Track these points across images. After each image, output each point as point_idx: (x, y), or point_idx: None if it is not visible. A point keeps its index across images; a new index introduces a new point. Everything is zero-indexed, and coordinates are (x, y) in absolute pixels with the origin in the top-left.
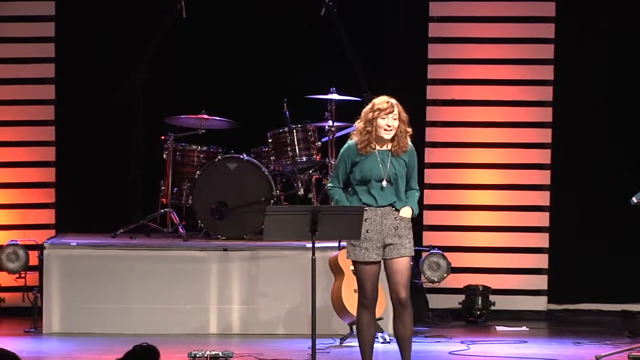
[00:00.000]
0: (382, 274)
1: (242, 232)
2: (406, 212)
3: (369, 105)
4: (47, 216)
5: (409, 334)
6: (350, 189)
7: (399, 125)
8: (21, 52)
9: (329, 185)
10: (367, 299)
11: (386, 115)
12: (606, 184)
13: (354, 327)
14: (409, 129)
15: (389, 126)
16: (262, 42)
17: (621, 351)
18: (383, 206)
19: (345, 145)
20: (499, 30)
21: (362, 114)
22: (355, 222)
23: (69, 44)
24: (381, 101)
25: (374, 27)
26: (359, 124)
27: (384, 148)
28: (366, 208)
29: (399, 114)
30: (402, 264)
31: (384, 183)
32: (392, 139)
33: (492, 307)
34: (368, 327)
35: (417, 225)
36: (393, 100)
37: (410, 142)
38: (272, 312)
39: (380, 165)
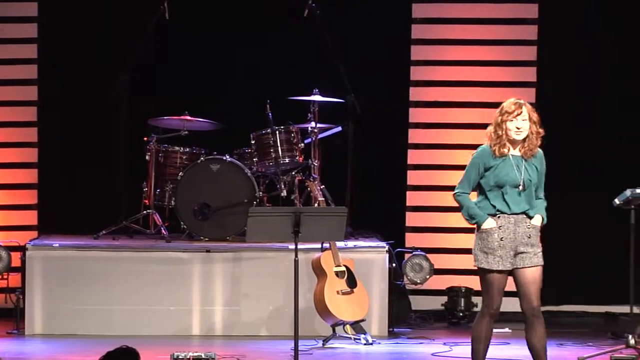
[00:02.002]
0: (367, 274)
1: (225, 234)
2: (537, 220)
3: (498, 109)
4: (30, 217)
5: (543, 344)
6: (479, 194)
7: (530, 127)
8: (3, 53)
9: (456, 191)
10: (494, 310)
11: (514, 117)
12: (590, 185)
13: (337, 328)
14: (541, 130)
15: (518, 128)
16: (245, 43)
17: (604, 352)
18: (517, 213)
19: (479, 149)
20: (482, 32)
21: (493, 118)
22: (338, 223)
23: (52, 45)
24: (509, 104)
25: (357, 28)
26: (489, 128)
27: (516, 152)
28: (499, 215)
29: (529, 115)
30: (535, 273)
31: (520, 189)
32: (524, 141)
33: (475, 309)
34: (486, 338)
35: (400, 227)
36: (521, 101)
37: (539, 149)
38: (255, 314)
39: (516, 171)
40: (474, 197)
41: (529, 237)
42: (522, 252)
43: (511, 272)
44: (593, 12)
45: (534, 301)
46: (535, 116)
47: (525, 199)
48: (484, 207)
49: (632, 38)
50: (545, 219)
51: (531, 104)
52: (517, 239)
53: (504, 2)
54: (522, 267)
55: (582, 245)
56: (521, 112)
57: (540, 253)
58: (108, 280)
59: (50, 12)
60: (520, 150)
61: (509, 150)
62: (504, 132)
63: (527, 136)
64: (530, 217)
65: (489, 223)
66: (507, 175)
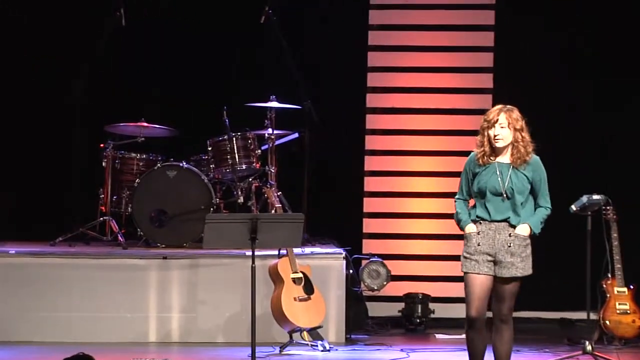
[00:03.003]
0: (324, 281)
1: (182, 240)
2: (522, 229)
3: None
4: None
5: (507, 349)
6: (474, 200)
7: (514, 134)
8: None
9: (456, 197)
10: (472, 315)
11: (493, 125)
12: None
13: (294, 335)
14: (526, 137)
15: (496, 135)
16: (202, 49)
17: (560, 359)
18: (497, 221)
19: (469, 156)
20: (439, 39)
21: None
22: (295, 229)
23: (3, 50)
24: (490, 111)
25: (314, 35)
26: (478, 136)
27: (504, 160)
28: (480, 221)
29: (509, 122)
30: (511, 283)
31: (502, 197)
32: (514, 149)
33: (432, 315)
34: (475, 348)
35: (357, 233)
36: (504, 108)
37: (534, 155)
38: (212, 321)
39: (499, 178)
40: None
41: (509, 246)
42: (501, 261)
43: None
44: (548, 18)
45: (504, 308)
46: (520, 124)
47: (509, 207)
48: (473, 213)
49: (586, 40)
50: (536, 228)
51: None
52: (495, 246)
53: (461, 8)
54: (500, 276)
55: (538, 252)
56: (498, 119)
57: (523, 264)
58: (65, 287)
59: (5, 16)
60: (510, 158)
61: (495, 158)
62: (486, 140)
63: (512, 144)
64: (514, 226)
65: (469, 228)
66: (487, 183)
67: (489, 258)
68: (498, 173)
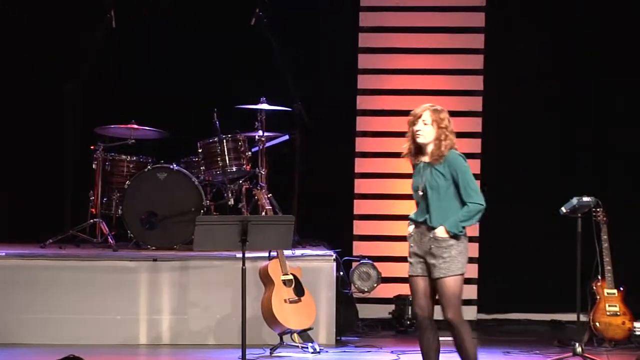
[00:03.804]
0: (314, 283)
1: (172, 242)
2: (440, 231)
3: None
4: None
5: (465, 353)
6: None
7: (437, 132)
8: None
9: None
10: (417, 317)
11: (416, 120)
12: (536, 194)
13: (284, 337)
14: (449, 135)
15: (417, 131)
16: (192, 51)
17: None
18: (420, 222)
19: None
20: (429, 41)
21: None
22: (285, 231)
23: None
24: (418, 107)
25: (305, 37)
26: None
27: (426, 159)
28: (412, 223)
29: (432, 119)
30: (441, 286)
31: (421, 197)
32: (433, 147)
33: None
34: (428, 350)
35: (347, 235)
36: (430, 106)
37: (451, 151)
38: (202, 323)
39: (420, 178)
40: None
41: (430, 249)
42: (430, 263)
43: None
44: (538, 20)
45: (446, 312)
46: (444, 123)
47: (426, 208)
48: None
49: (577, 41)
50: (453, 228)
51: (477, 111)
52: (422, 249)
53: (451, 10)
54: (432, 278)
55: (528, 254)
56: (422, 115)
57: (446, 265)
58: (55, 289)
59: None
60: (429, 157)
61: (422, 157)
62: (410, 135)
63: (432, 142)
64: (433, 227)
65: (408, 229)
66: (413, 183)
67: (420, 259)
68: (421, 173)
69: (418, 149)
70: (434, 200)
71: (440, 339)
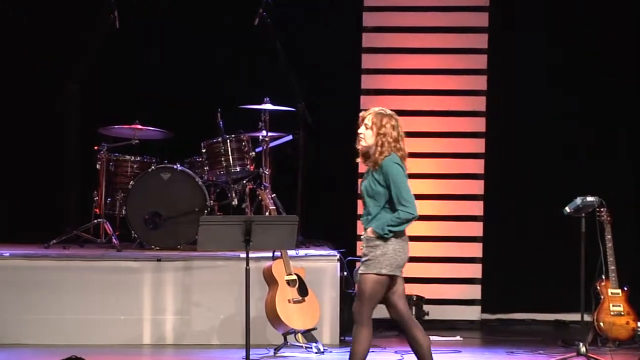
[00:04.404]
0: (318, 283)
1: (176, 243)
2: (368, 231)
3: None
4: None
5: (357, 350)
6: None
7: (376, 138)
8: None
9: None
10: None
11: (361, 123)
12: (540, 194)
13: (288, 337)
14: (385, 142)
15: (359, 134)
16: (196, 51)
17: None
18: (364, 224)
19: None
20: (433, 41)
21: None
22: (289, 231)
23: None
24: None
25: (309, 37)
26: None
27: (369, 163)
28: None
29: (373, 123)
30: (360, 281)
31: (363, 201)
32: (373, 153)
33: (426, 317)
34: (357, 342)
35: (351, 235)
36: (377, 110)
37: (387, 158)
38: (206, 323)
39: (365, 183)
40: None
41: (363, 248)
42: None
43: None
44: (542, 20)
45: (355, 303)
46: (385, 129)
47: (368, 212)
48: None
49: (581, 41)
50: (379, 230)
51: (481, 111)
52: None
53: (455, 10)
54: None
55: (532, 253)
56: (364, 117)
57: (370, 262)
58: (59, 289)
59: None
60: (370, 162)
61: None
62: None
63: (373, 147)
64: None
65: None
66: (362, 184)
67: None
68: (365, 177)
69: (368, 152)
70: (370, 205)
71: (442, 338)
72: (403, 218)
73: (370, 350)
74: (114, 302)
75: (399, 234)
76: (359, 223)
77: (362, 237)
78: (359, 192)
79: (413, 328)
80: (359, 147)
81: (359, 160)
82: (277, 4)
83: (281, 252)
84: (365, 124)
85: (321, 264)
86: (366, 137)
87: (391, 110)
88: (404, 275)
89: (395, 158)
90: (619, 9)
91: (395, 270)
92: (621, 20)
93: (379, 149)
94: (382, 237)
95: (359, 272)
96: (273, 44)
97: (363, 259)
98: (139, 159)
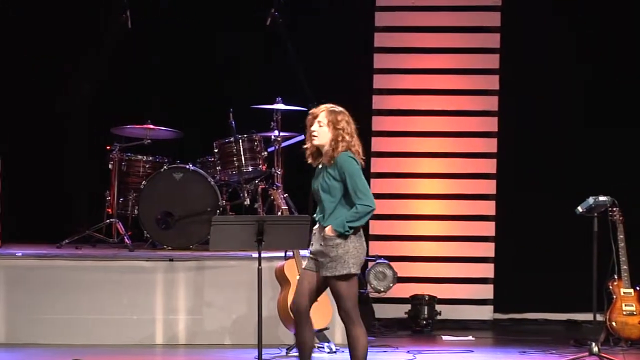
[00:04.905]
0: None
1: (188, 242)
2: (327, 230)
3: None
4: None
5: (355, 352)
6: None
7: (334, 133)
8: None
9: None
10: (291, 307)
11: (313, 121)
12: (552, 194)
13: None
14: (344, 137)
15: (312, 131)
16: (208, 51)
17: None
18: (318, 222)
19: None
20: (445, 40)
21: None
22: (301, 231)
23: (8, 54)
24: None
25: (320, 36)
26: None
27: (324, 161)
28: (317, 223)
29: (328, 120)
30: (330, 285)
31: (317, 198)
32: (328, 149)
33: (438, 317)
34: (302, 344)
35: (364, 235)
36: (329, 107)
37: (342, 153)
38: (219, 323)
39: (316, 180)
40: None
41: (321, 246)
42: (319, 261)
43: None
44: (554, 18)
45: (338, 310)
46: (341, 124)
47: (321, 208)
48: None
49: (593, 40)
50: (339, 227)
51: (493, 111)
52: (316, 247)
53: (467, 10)
54: (321, 276)
55: (544, 253)
56: (318, 116)
57: (333, 263)
58: (71, 289)
59: (10, 20)
60: (325, 158)
61: (320, 160)
62: (309, 137)
63: (327, 143)
64: (325, 227)
65: (313, 228)
66: (312, 184)
67: (313, 257)
68: (319, 174)
69: (319, 150)
70: (326, 201)
71: (454, 338)
72: (361, 212)
73: (383, 350)
74: (127, 302)
75: (356, 230)
76: (371, 223)
77: (313, 235)
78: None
79: (308, 325)
80: (309, 145)
81: (309, 160)
82: (289, 4)
83: (293, 251)
84: (319, 122)
85: None
86: (320, 134)
87: (404, 109)
88: (418, 276)
89: (349, 153)
90: (635, 8)
91: (359, 268)
92: (637, 19)
93: (335, 144)
94: (343, 235)
95: (327, 274)
96: (285, 44)
97: (325, 260)
98: (151, 158)
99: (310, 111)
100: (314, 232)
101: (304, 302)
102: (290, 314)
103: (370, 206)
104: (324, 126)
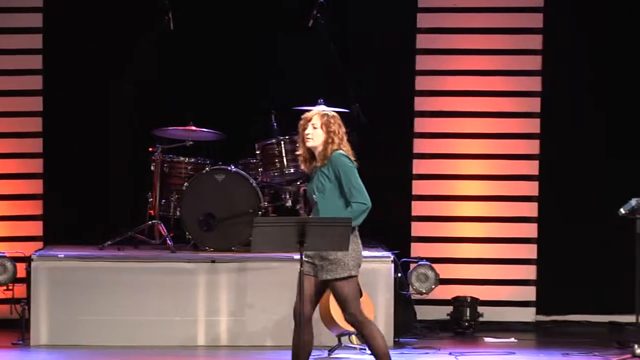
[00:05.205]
0: (372, 284)
1: (230, 244)
2: None
3: None
4: (35, 228)
5: (374, 351)
6: None
7: (327, 136)
8: (9, 64)
9: None
10: (294, 311)
11: (306, 124)
12: (595, 195)
13: (342, 338)
14: (334, 139)
15: (307, 134)
16: (250, 53)
17: None
18: None
19: None
20: (487, 42)
21: None
22: (343, 233)
23: (57, 56)
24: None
25: (362, 38)
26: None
27: (318, 163)
28: None
29: (321, 123)
30: (332, 289)
31: (313, 201)
32: (321, 151)
33: (480, 319)
34: (297, 348)
35: (405, 237)
36: (321, 111)
37: (335, 151)
38: (260, 324)
39: (312, 183)
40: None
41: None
42: (318, 265)
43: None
44: (597, 20)
45: (344, 314)
46: (333, 127)
47: (317, 210)
48: None
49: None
50: None
51: (536, 113)
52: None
53: (509, 11)
54: (319, 280)
55: (586, 255)
56: (311, 119)
57: (332, 266)
58: (113, 290)
59: (54, 22)
60: (318, 160)
61: (313, 164)
62: (301, 139)
63: (320, 145)
64: None
65: None
66: (307, 188)
67: (310, 259)
68: (314, 176)
69: (312, 155)
70: (321, 202)
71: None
72: (357, 210)
73: (425, 351)
74: (169, 304)
75: (353, 230)
76: (413, 224)
77: None
78: (412, 193)
79: (308, 329)
80: (302, 151)
81: (302, 167)
82: (331, 5)
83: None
84: (313, 124)
85: (375, 266)
86: (315, 136)
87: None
88: (460, 277)
89: (342, 152)
90: None
91: (358, 269)
92: None
93: (328, 145)
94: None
95: (328, 277)
96: (327, 45)
97: (325, 263)
98: (193, 160)
99: (303, 116)
100: None
101: (309, 308)
102: (333, 317)
103: (365, 204)
104: (318, 128)
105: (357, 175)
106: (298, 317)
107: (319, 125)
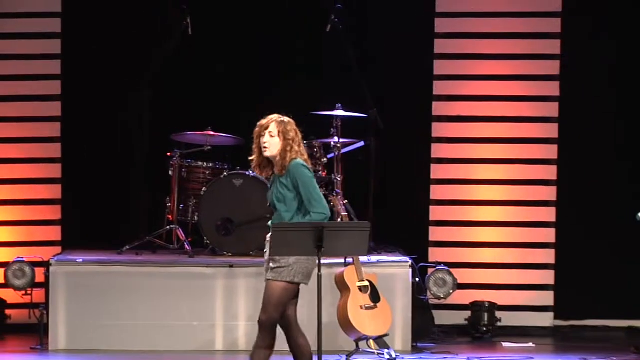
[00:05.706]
0: (390, 289)
1: (248, 249)
2: None
3: None
4: (54, 233)
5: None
6: None
7: (282, 143)
8: (28, 69)
9: None
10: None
11: (263, 132)
12: (612, 200)
13: (360, 343)
14: (293, 146)
15: (264, 143)
16: (268, 58)
17: None
18: None
19: None
20: (505, 46)
21: None
22: (361, 238)
23: (75, 61)
24: (265, 118)
25: (380, 43)
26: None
27: (276, 171)
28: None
29: (279, 131)
30: (266, 287)
31: (272, 209)
32: (279, 159)
33: (498, 324)
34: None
35: (423, 241)
36: (277, 117)
37: (293, 161)
38: (279, 329)
39: (270, 191)
40: None
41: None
42: (269, 267)
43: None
44: (615, 24)
45: (261, 313)
46: (291, 135)
47: (275, 217)
48: None
49: None
50: None
51: (554, 117)
52: (268, 254)
53: (527, 16)
54: (266, 278)
55: (604, 260)
56: (268, 127)
57: (282, 269)
58: (131, 295)
59: (73, 28)
60: (276, 169)
61: (271, 171)
62: (257, 147)
63: (278, 153)
64: None
65: (267, 237)
66: (267, 196)
67: (266, 265)
68: (273, 184)
69: (267, 161)
70: (282, 211)
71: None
72: (317, 220)
73: (443, 356)
74: (187, 308)
75: None
76: (431, 229)
77: (267, 242)
78: (430, 198)
79: (298, 335)
80: (256, 157)
81: (256, 172)
82: (349, 10)
83: (353, 258)
84: (270, 132)
85: (393, 270)
86: (271, 145)
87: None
88: (478, 282)
89: (301, 161)
90: None
91: (305, 279)
92: None
93: (285, 154)
94: None
95: (269, 277)
96: (345, 50)
97: (272, 266)
98: (211, 165)
99: (258, 123)
100: (267, 239)
101: (290, 312)
102: (351, 321)
103: (324, 213)
104: (275, 137)
105: (316, 185)
106: (284, 324)
107: (276, 133)
